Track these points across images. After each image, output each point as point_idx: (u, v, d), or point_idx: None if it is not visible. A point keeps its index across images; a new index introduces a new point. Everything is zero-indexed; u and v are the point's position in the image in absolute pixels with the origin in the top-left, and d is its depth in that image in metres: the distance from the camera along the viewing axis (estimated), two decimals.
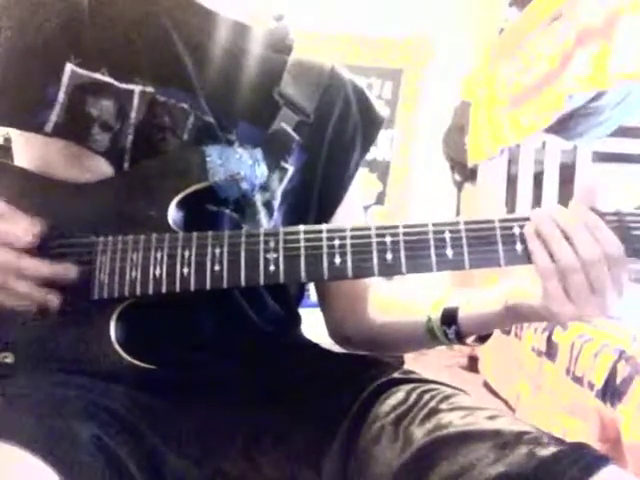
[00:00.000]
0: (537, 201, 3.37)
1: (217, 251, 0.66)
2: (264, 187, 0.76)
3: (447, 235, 0.64)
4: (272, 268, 0.65)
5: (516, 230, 0.64)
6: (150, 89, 0.72)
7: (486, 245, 0.64)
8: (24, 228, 0.66)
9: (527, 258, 0.64)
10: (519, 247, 0.64)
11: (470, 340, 0.75)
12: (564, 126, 2.89)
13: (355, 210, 0.89)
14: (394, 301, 0.84)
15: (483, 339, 0.76)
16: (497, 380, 2.86)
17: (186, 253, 0.67)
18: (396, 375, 0.77)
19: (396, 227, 0.65)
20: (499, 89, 3.21)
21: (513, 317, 0.70)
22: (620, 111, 2.77)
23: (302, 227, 0.67)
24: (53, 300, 0.66)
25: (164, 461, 0.66)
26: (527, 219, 0.64)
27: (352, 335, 0.86)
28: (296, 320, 0.89)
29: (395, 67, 4.08)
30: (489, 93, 3.34)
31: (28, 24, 0.72)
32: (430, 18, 3.89)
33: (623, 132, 3.16)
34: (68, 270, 0.67)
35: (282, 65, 0.80)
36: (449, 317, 0.74)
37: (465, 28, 3.81)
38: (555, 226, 0.62)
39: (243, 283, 0.66)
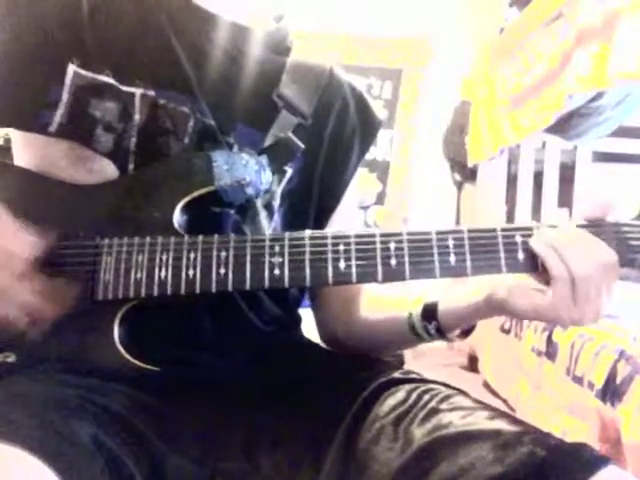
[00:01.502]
0: (537, 201, 3.38)
1: (223, 254, 0.67)
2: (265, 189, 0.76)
3: (450, 242, 0.65)
4: (277, 272, 0.66)
5: (518, 239, 0.65)
6: (151, 92, 0.72)
7: (488, 253, 0.65)
8: (23, 247, 0.65)
9: (528, 266, 0.65)
10: (520, 255, 0.65)
11: (454, 335, 0.75)
12: (564, 126, 2.89)
13: (352, 211, 0.90)
14: (381, 299, 0.84)
15: (466, 333, 0.76)
16: (497, 380, 2.86)
17: (192, 256, 0.67)
18: (396, 375, 0.76)
19: (400, 234, 0.66)
20: (499, 89, 3.21)
21: (495, 311, 0.70)
22: (620, 111, 2.77)
23: (307, 232, 0.68)
24: (32, 331, 0.66)
25: (164, 461, 0.66)
26: (529, 229, 0.66)
27: (343, 336, 0.86)
28: (296, 320, 0.89)
29: (395, 67, 4.08)
30: (489, 93, 3.35)
31: (29, 26, 0.72)
32: (430, 18, 3.89)
33: (623, 132, 3.16)
34: (56, 308, 0.67)
35: (281, 67, 0.80)
36: (429, 312, 0.74)
37: (465, 28, 3.81)
38: (564, 236, 0.65)
39: (248, 286, 0.66)
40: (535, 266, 0.65)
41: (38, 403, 0.61)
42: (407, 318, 0.76)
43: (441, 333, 0.74)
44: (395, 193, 4.10)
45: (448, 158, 3.92)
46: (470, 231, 0.66)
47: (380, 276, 0.66)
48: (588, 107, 2.72)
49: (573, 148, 3.45)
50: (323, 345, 0.87)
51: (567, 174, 3.42)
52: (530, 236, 0.66)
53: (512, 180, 3.48)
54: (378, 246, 0.66)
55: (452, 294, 0.74)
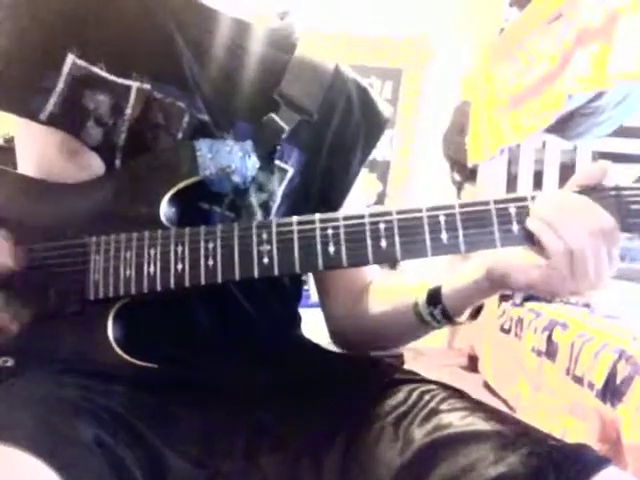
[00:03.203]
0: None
1: (210, 246, 0.66)
2: (262, 188, 0.75)
3: (441, 219, 0.64)
4: (266, 260, 0.65)
5: (512, 210, 0.63)
6: (147, 86, 0.72)
7: (481, 227, 0.63)
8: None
9: (524, 238, 0.63)
10: (515, 227, 0.63)
11: (462, 318, 0.74)
12: (564, 126, 2.89)
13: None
14: (387, 290, 0.83)
15: (474, 316, 0.74)
16: (497, 380, 2.86)
17: (179, 249, 0.67)
18: (396, 375, 0.76)
19: (390, 213, 0.65)
20: (499, 89, 3.21)
21: (498, 286, 0.68)
22: (620, 111, 2.77)
23: (295, 218, 0.67)
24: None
25: (164, 461, 0.65)
26: (523, 199, 0.64)
27: (352, 334, 0.86)
28: (296, 319, 0.88)
29: (395, 67, 4.07)
30: (489, 93, 3.34)
31: (33, 13, 0.72)
32: (430, 18, 3.88)
33: (623, 132, 3.16)
34: (10, 325, 0.68)
35: (283, 64, 0.80)
36: (434, 297, 0.72)
37: (465, 28, 3.81)
38: (557, 209, 0.62)
39: (237, 277, 0.66)
40: (531, 238, 0.63)
41: (39, 404, 0.61)
42: (413, 306, 0.74)
43: (448, 317, 0.72)
44: (395, 193, 4.10)
45: (448, 158, 3.92)
46: (462, 206, 0.64)
47: (371, 258, 0.64)
48: (588, 107, 2.72)
49: (573, 148, 3.45)
50: (323, 345, 0.87)
51: (567, 174, 3.41)
52: (525, 207, 0.63)
53: (512, 180, 3.47)
54: (367, 227, 0.64)
55: (454, 275, 0.72)
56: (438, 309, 0.72)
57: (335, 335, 0.88)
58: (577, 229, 0.61)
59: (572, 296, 0.70)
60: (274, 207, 0.78)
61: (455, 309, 0.72)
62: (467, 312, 0.73)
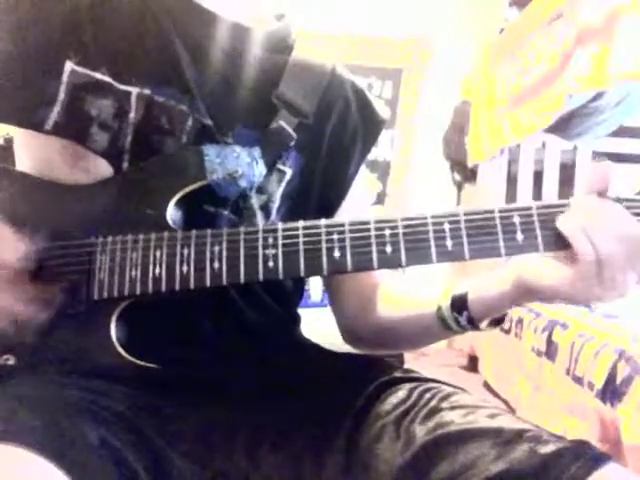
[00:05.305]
0: (537, 201, 3.38)
1: (216, 249, 0.66)
2: (261, 190, 0.76)
3: (446, 226, 0.64)
4: (271, 264, 0.65)
5: (516, 219, 0.64)
6: (147, 91, 0.72)
7: (486, 235, 0.63)
8: (12, 255, 0.66)
9: (528, 247, 0.63)
10: (519, 237, 0.63)
11: (484, 325, 0.73)
12: (564, 126, 2.90)
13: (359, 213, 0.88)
14: (403, 296, 0.83)
15: (498, 322, 0.74)
16: (497, 380, 2.86)
17: (185, 251, 0.67)
18: (397, 374, 0.77)
19: (395, 220, 0.65)
20: (499, 89, 3.22)
21: (525, 295, 0.68)
22: (620, 111, 2.78)
23: (301, 223, 0.67)
24: (20, 336, 0.67)
25: (166, 461, 0.65)
26: (528, 208, 0.64)
27: (364, 335, 0.86)
28: (295, 320, 0.88)
29: (395, 67, 4.08)
30: (489, 93, 3.35)
31: (29, 22, 0.72)
32: (430, 18, 3.89)
33: (623, 132, 3.17)
34: (36, 316, 0.67)
35: (281, 67, 0.80)
36: (459, 303, 0.72)
37: (465, 28, 3.81)
38: (590, 213, 0.62)
39: (242, 280, 0.66)
40: (536, 247, 0.63)
41: (44, 405, 0.60)
42: (436, 312, 0.74)
43: (472, 323, 0.72)
44: (395, 193, 4.10)
45: (448, 158, 3.92)
46: (467, 214, 0.64)
47: (376, 264, 0.65)
48: (588, 107, 2.73)
49: (573, 148, 3.46)
50: (323, 345, 0.87)
51: (567, 174, 3.43)
52: (529, 216, 0.64)
53: (512, 180, 3.48)
54: (373, 233, 0.65)
55: (481, 283, 0.72)
56: (463, 315, 0.72)
57: (346, 334, 0.88)
58: (607, 235, 0.61)
59: (597, 302, 0.69)
60: (274, 208, 0.78)
61: (481, 316, 0.72)
62: (488, 319, 0.73)
